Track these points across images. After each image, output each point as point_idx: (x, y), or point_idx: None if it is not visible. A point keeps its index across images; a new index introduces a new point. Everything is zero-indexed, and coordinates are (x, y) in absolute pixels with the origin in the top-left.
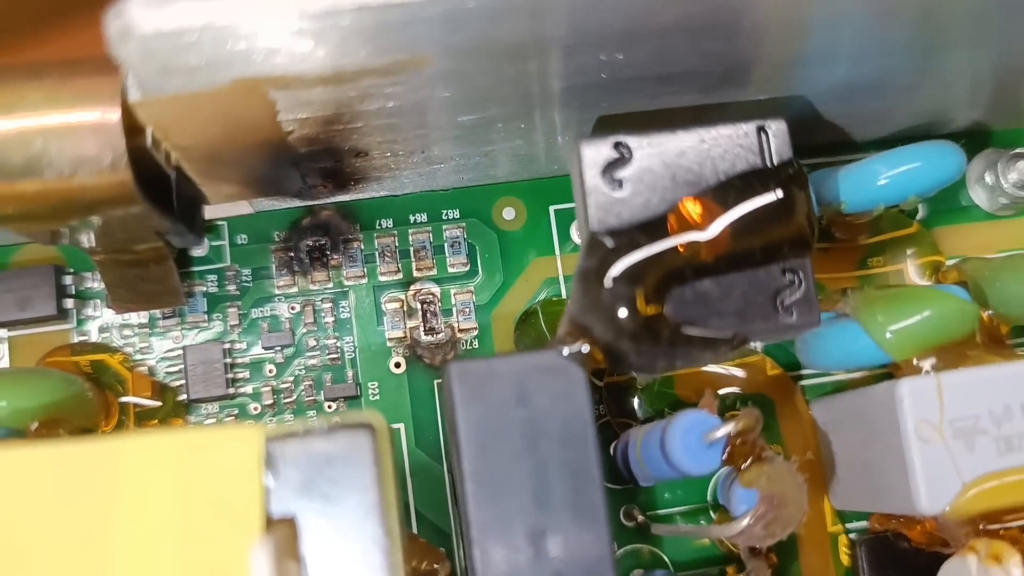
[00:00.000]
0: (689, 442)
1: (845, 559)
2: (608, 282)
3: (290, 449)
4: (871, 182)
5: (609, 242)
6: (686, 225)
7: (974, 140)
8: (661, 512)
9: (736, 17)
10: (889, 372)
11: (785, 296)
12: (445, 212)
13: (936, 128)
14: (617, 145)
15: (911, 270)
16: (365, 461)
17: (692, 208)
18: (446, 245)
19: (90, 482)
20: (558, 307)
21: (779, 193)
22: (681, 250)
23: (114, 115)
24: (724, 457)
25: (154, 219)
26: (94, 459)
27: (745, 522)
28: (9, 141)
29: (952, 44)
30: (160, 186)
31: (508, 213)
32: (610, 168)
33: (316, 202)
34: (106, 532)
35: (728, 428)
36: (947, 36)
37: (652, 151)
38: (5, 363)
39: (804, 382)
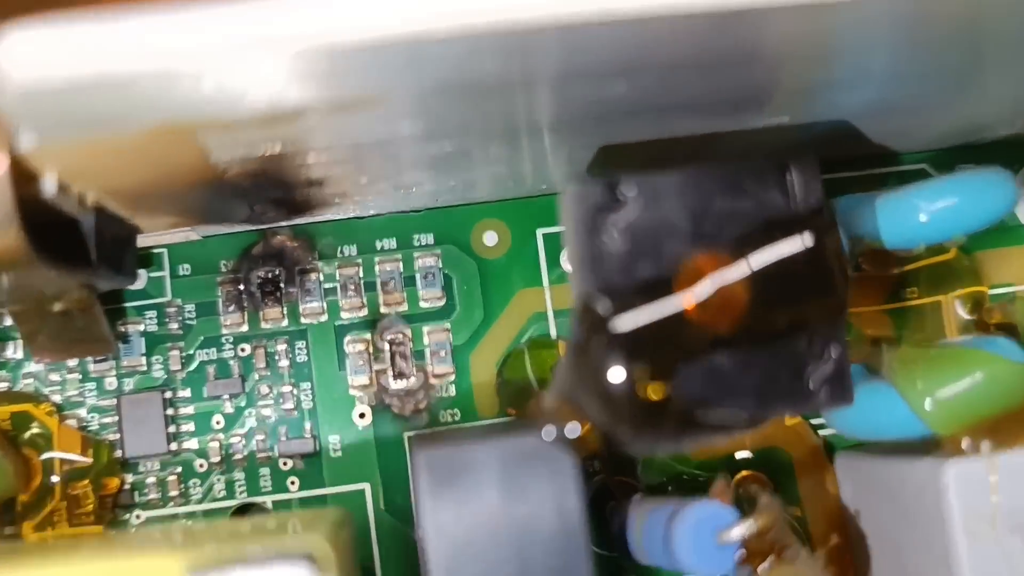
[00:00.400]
0: (700, 540)
1: None
2: (603, 358)
3: None
4: (911, 218)
5: (604, 308)
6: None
7: (1020, 148)
8: None
9: (753, 49)
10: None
11: (813, 371)
12: (417, 237)
13: (979, 135)
14: (612, 189)
15: (952, 305)
16: None
17: (703, 265)
18: (418, 276)
19: None
20: (546, 348)
21: (807, 244)
22: (691, 317)
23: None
24: (738, 557)
25: (65, 277)
26: None
27: None
28: None
29: (994, 65)
30: (74, 231)
31: (490, 238)
32: (605, 217)
33: (269, 226)
34: None
35: (746, 527)
36: (988, 58)
37: (655, 196)
38: None
39: (825, 431)
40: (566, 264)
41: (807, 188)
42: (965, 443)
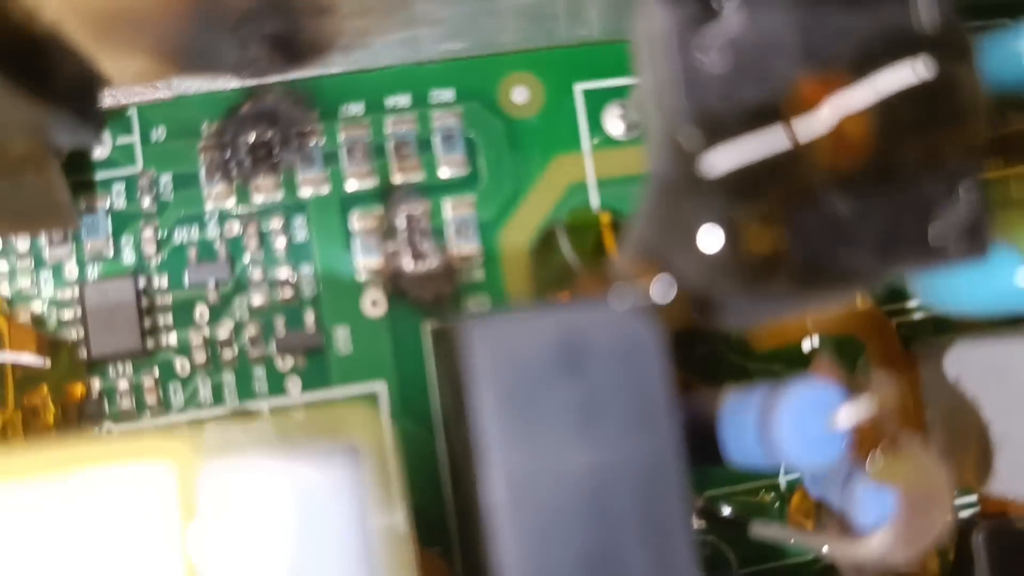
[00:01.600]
0: (807, 424)
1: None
2: (700, 198)
3: (237, 480)
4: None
5: (699, 142)
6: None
7: None
8: (714, 491)
9: None
10: None
11: (944, 218)
12: (435, 93)
13: None
14: None
15: None
16: (348, 500)
17: (816, 90)
18: (437, 138)
19: None
20: (588, 223)
21: (937, 69)
22: (802, 153)
23: None
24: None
25: (20, 105)
26: None
27: (884, 537)
28: None
29: None
30: (29, 58)
31: (519, 94)
32: (697, 31)
33: (260, 81)
34: None
35: (864, 407)
36: None
37: (759, 4)
38: None
39: (898, 319)
40: (611, 126)
41: (938, 5)
42: None
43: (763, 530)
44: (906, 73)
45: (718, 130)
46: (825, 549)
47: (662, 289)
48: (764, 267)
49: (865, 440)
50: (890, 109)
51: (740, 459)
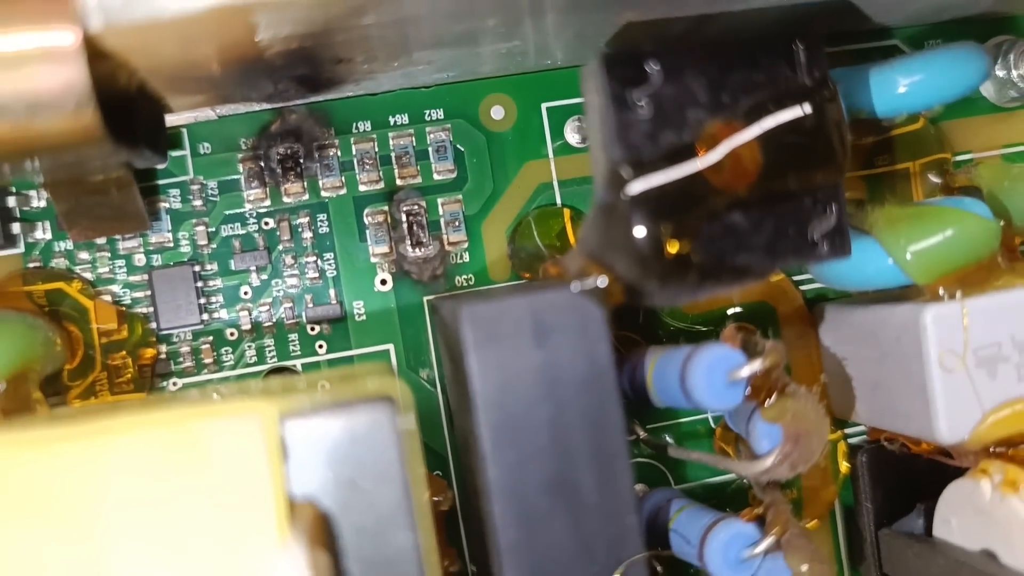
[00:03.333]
0: (713, 380)
1: (844, 467)
2: (631, 217)
3: (307, 430)
4: (892, 90)
5: (631, 172)
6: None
7: (990, 25)
8: (659, 425)
9: None
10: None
11: (816, 226)
12: (428, 112)
13: (941, 15)
14: (638, 61)
15: (920, 171)
16: (390, 440)
17: (721, 132)
18: (431, 150)
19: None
20: (552, 216)
21: (811, 113)
22: (710, 180)
23: (73, 44)
24: (747, 392)
25: (120, 153)
26: (85, 458)
27: (771, 460)
28: None
29: None
30: (120, 109)
31: (497, 112)
32: (631, 88)
33: (285, 104)
34: (104, 538)
35: (755, 366)
36: None
37: (678, 69)
38: None
39: (805, 287)
40: (571, 136)
41: (812, 62)
42: (941, 290)
43: (679, 452)
44: (788, 116)
45: (645, 164)
46: (735, 468)
47: (601, 280)
48: (678, 267)
49: (761, 388)
50: (775, 143)
51: (669, 402)
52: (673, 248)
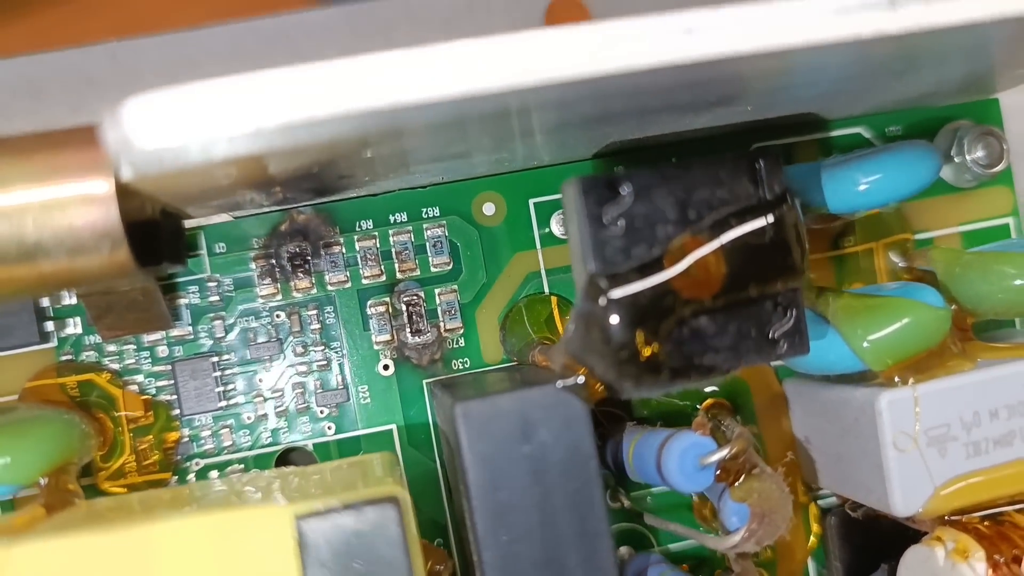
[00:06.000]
0: (685, 465)
1: (815, 528)
2: (607, 324)
3: (320, 527)
4: (851, 188)
5: (606, 283)
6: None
7: (940, 114)
8: (642, 492)
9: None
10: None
11: (776, 328)
12: (425, 210)
13: (904, 104)
14: (611, 184)
15: (884, 251)
16: (395, 536)
17: (688, 245)
18: (428, 244)
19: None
20: (540, 303)
21: (771, 224)
22: (679, 289)
23: (107, 191)
24: (717, 474)
25: (147, 274)
26: (132, 547)
27: (738, 538)
28: None
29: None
30: (146, 233)
31: (488, 208)
32: (606, 207)
33: (293, 206)
34: None
35: (723, 453)
36: (919, 61)
37: (647, 189)
38: None
39: (777, 363)
40: (556, 228)
41: (772, 178)
42: (896, 377)
43: (656, 521)
44: (749, 228)
45: (619, 276)
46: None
47: (581, 379)
48: (651, 367)
49: (731, 470)
50: (738, 254)
51: (647, 481)
52: (646, 351)
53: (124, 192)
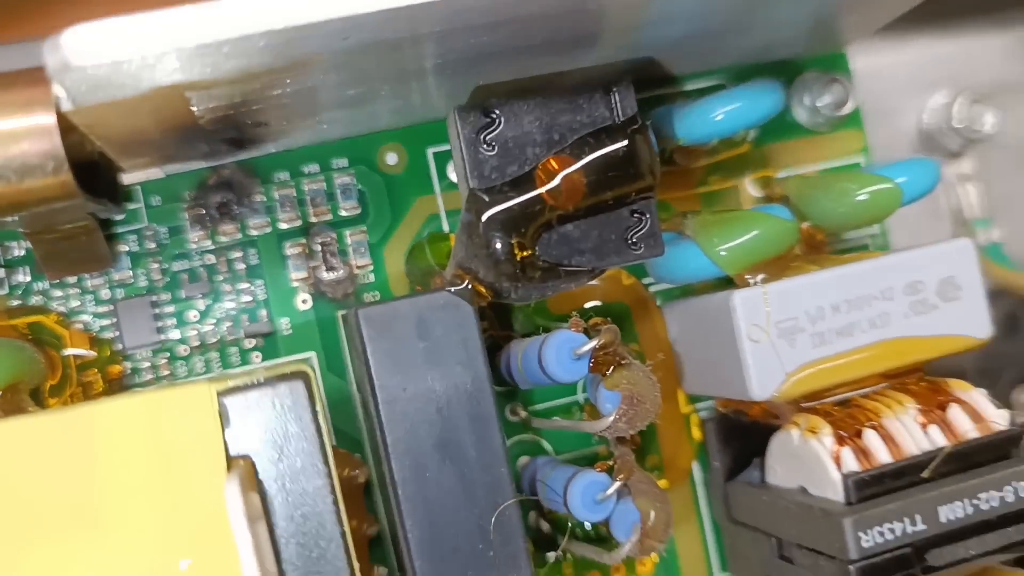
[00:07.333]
0: (562, 357)
1: (697, 434)
2: (486, 233)
3: (239, 400)
4: (707, 119)
5: (485, 197)
6: (550, 178)
7: (794, 66)
8: (540, 407)
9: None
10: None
11: (633, 233)
12: (335, 161)
13: (762, 57)
14: (486, 112)
15: (746, 185)
16: (304, 406)
17: (554, 163)
18: (338, 192)
19: (73, 446)
20: (441, 240)
21: (625, 145)
22: (547, 201)
23: (50, 123)
24: (591, 366)
25: (87, 205)
26: (74, 425)
27: (611, 419)
28: None
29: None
30: (85, 171)
31: (391, 158)
32: (482, 133)
33: (219, 162)
34: (93, 492)
35: (592, 344)
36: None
37: (517, 116)
38: None
39: (654, 288)
40: (452, 175)
41: (625, 104)
42: (748, 277)
43: (541, 423)
44: (607, 147)
45: (495, 191)
46: (585, 427)
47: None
48: (526, 269)
49: (604, 363)
50: (598, 170)
51: (534, 381)
52: (520, 255)
53: (66, 126)
